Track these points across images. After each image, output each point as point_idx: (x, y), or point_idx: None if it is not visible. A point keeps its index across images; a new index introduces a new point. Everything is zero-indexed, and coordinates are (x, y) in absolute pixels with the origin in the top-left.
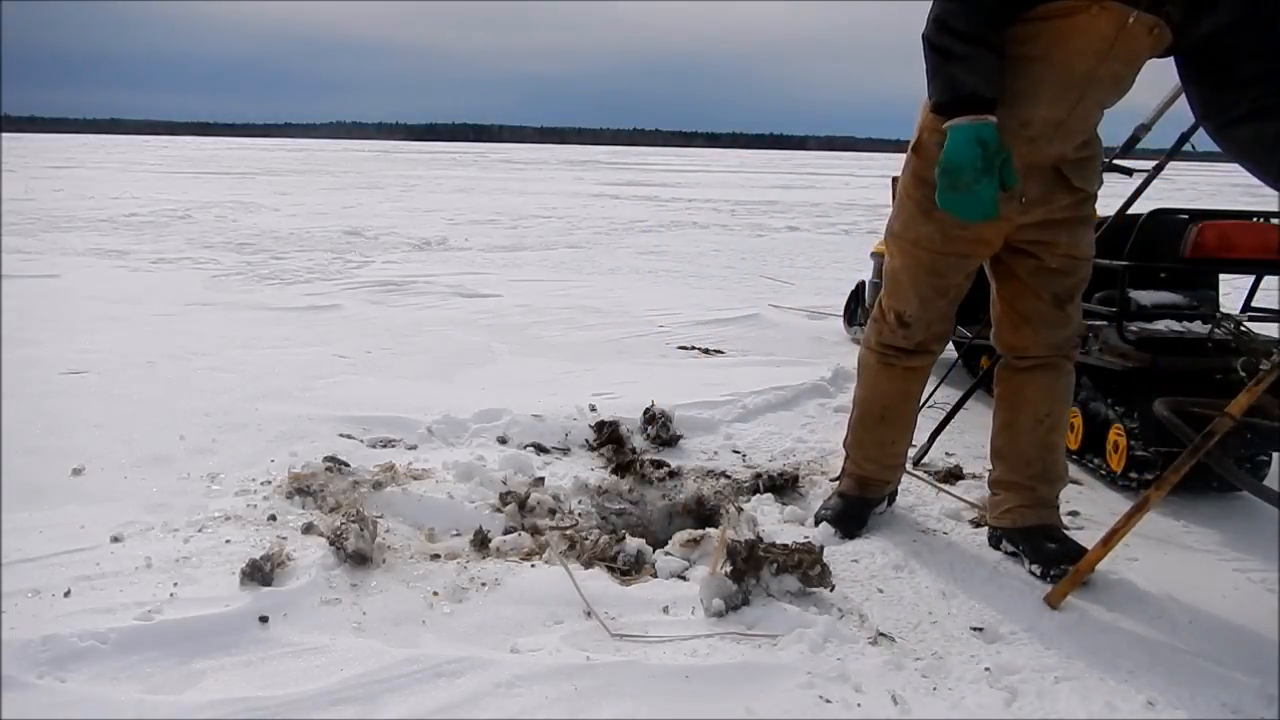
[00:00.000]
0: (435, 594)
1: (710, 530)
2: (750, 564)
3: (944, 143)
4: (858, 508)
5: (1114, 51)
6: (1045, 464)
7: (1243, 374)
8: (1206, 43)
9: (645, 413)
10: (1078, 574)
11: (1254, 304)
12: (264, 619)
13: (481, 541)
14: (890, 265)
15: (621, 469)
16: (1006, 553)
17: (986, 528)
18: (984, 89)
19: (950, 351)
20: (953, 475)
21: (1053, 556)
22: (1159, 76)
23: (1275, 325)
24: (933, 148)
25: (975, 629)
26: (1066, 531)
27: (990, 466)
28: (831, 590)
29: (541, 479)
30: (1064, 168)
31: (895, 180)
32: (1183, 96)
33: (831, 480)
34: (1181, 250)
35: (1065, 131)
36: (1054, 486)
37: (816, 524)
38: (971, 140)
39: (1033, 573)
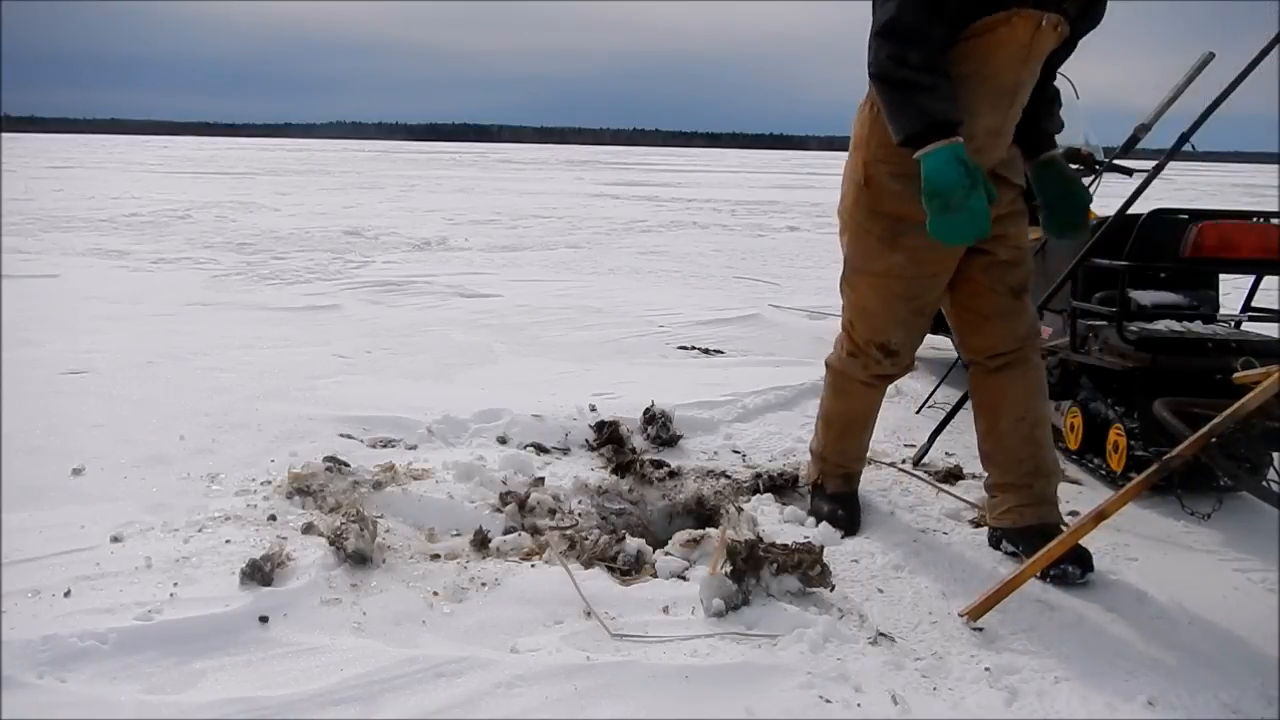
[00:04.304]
0: (435, 594)
1: (710, 530)
2: (750, 564)
3: (900, 174)
4: (852, 502)
5: (1031, 54)
6: (1036, 460)
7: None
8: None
9: (645, 413)
10: (999, 593)
11: (1254, 304)
12: (264, 619)
13: (481, 541)
14: (860, 302)
15: (621, 469)
16: (1006, 553)
17: (987, 528)
18: (953, 113)
19: (951, 351)
20: (953, 475)
21: (1060, 557)
22: (1159, 77)
23: (1275, 325)
24: (884, 179)
25: (975, 629)
26: (1066, 528)
27: (986, 469)
28: (831, 590)
29: (541, 479)
30: (999, 169)
31: None
32: (1183, 96)
33: (803, 487)
34: (1181, 250)
35: (1001, 136)
36: (1050, 481)
37: (816, 524)
38: (952, 160)
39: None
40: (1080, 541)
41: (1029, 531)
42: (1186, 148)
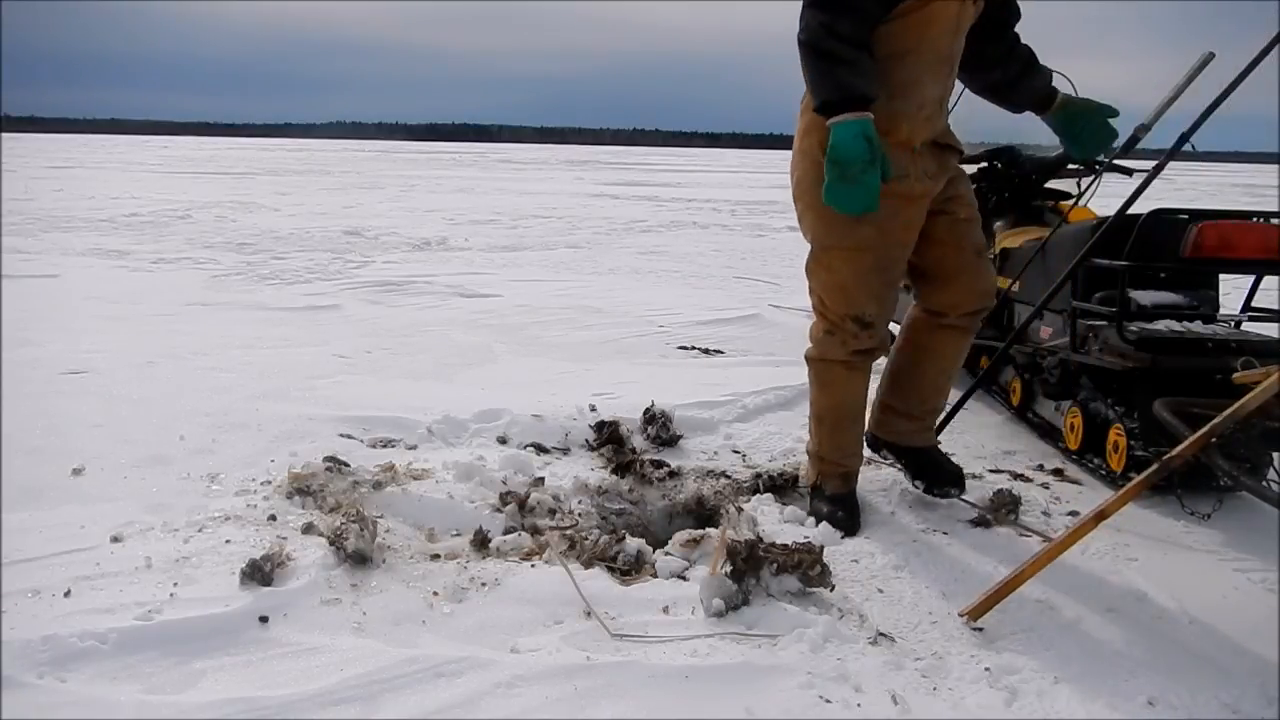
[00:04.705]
0: (435, 594)
1: (710, 530)
2: (750, 564)
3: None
4: (852, 503)
5: (959, 26)
6: (938, 402)
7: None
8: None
9: (645, 413)
10: (999, 593)
11: (1254, 304)
12: (264, 619)
13: (481, 541)
14: (831, 279)
15: (621, 469)
16: (883, 459)
17: (868, 432)
18: (870, 89)
19: None
20: None
21: (939, 479)
22: (1159, 77)
23: (1275, 325)
24: None
25: (975, 629)
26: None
27: (884, 387)
28: (831, 590)
29: (541, 479)
30: (940, 137)
31: None
32: (1183, 96)
33: (803, 488)
34: (1181, 250)
35: (944, 105)
36: (938, 416)
37: (816, 524)
38: (859, 134)
39: (916, 486)
40: (1080, 541)
41: (915, 451)
42: (1186, 148)
